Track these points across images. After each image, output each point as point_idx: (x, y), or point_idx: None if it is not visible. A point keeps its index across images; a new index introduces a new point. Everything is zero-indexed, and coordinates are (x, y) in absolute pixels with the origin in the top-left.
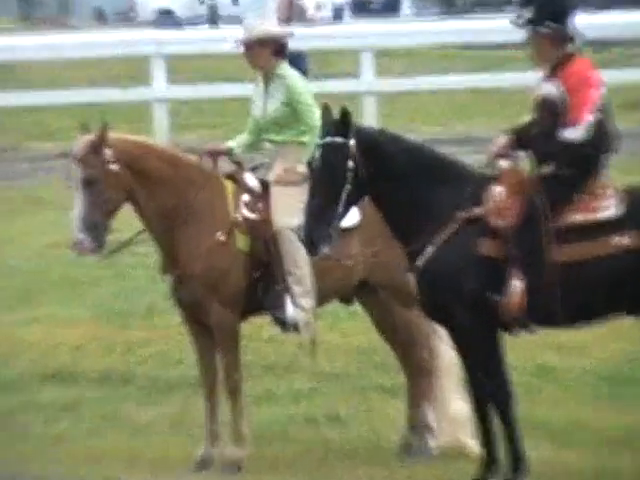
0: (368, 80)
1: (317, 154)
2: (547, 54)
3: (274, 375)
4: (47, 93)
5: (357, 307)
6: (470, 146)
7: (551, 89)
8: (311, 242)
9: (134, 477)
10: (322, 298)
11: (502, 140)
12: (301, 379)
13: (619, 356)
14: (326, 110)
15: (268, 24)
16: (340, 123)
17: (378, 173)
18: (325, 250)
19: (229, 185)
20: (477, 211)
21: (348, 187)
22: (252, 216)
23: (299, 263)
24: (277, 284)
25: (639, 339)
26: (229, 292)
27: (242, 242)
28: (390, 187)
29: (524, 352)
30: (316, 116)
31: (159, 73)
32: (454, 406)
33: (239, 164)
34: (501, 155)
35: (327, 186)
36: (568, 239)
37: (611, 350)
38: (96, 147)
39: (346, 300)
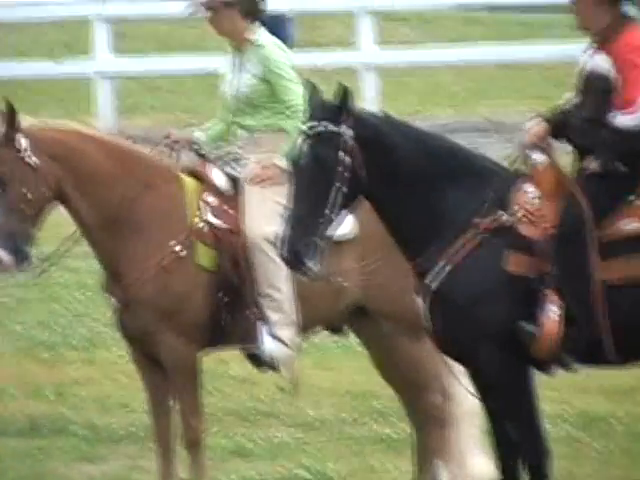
0: (368, 50)
1: (302, 145)
2: (594, 18)
3: (248, 424)
4: None
5: (352, 339)
6: (495, 134)
7: (599, 63)
8: (295, 256)
9: None
10: (305, 326)
11: (536, 127)
12: (281, 429)
13: None
14: (313, 89)
15: None
16: (334, 106)
17: (380, 170)
18: (312, 266)
19: (190, 183)
20: (504, 218)
21: (340, 187)
22: (218, 223)
23: (277, 283)
24: (249, 310)
25: None
26: (186, 320)
27: (204, 256)
28: (394, 188)
29: (562, 397)
30: (299, 95)
31: (102, 41)
32: (473, 463)
33: (204, 157)
34: (534, 146)
35: (315, 186)
36: (618, 253)
37: None
38: (7, 136)
39: (336, 329)
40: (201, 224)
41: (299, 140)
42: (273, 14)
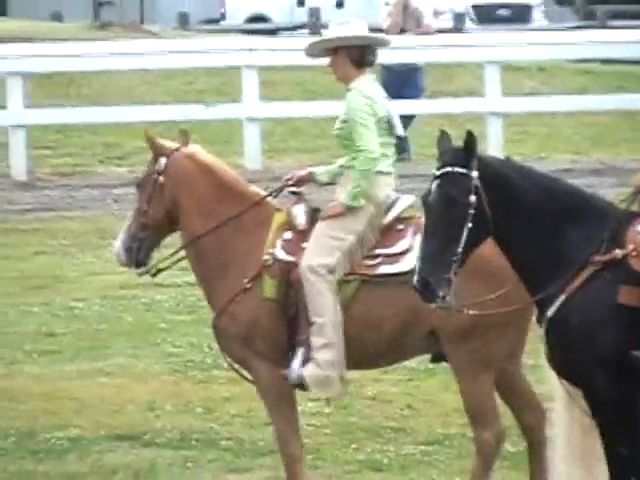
0: (493, 99)
1: (433, 186)
2: None
3: (381, 439)
4: (121, 109)
5: None
6: (611, 177)
7: None
8: (428, 288)
9: None
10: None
11: None
12: (411, 445)
13: None
14: (443, 135)
15: (351, 27)
16: (462, 150)
17: (504, 210)
18: (442, 296)
19: (278, 220)
20: (618, 253)
21: (470, 226)
22: (286, 257)
23: (320, 310)
24: (301, 334)
25: None
26: (264, 346)
27: (269, 288)
28: (517, 226)
29: None
30: (370, 140)
31: (251, 87)
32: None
33: (299, 195)
34: None
35: (446, 224)
36: None
37: None
38: (154, 157)
39: (438, 357)
40: (269, 258)
41: (431, 182)
42: (408, 65)
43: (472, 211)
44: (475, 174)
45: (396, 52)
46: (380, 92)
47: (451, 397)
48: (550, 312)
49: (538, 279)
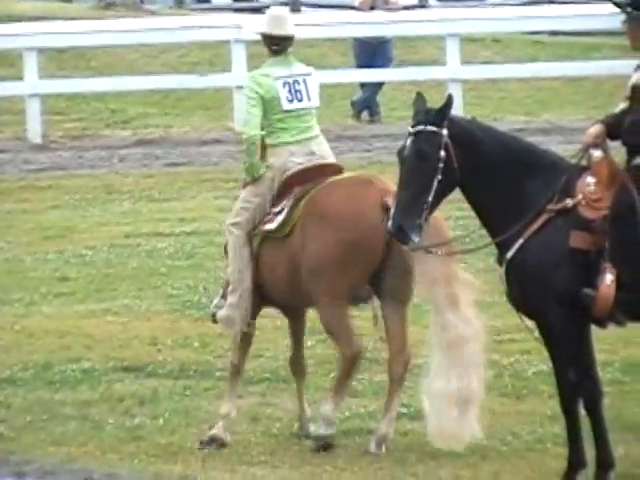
0: (453, 67)
1: (407, 142)
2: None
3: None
4: (123, 79)
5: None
6: (558, 136)
7: None
8: (401, 231)
9: (211, 474)
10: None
11: (595, 129)
12: (383, 373)
13: None
14: (419, 97)
15: (266, 23)
16: (434, 111)
17: (470, 163)
18: (416, 240)
19: None
20: (568, 202)
21: (439, 177)
22: None
23: (230, 260)
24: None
25: None
26: None
27: None
28: (482, 178)
29: (608, 347)
30: (247, 121)
31: (239, 59)
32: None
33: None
34: (593, 145)
35: (418, 176)
36: None
37: None
38: None
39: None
40: None
41: (405, 138)
42: (378, 38)
43: (441, 165)
44: (445, 132)
45: (367, 27)
46: (275, 70)
47: (418, 330)
48: (509, 254)
49: (499, 225)
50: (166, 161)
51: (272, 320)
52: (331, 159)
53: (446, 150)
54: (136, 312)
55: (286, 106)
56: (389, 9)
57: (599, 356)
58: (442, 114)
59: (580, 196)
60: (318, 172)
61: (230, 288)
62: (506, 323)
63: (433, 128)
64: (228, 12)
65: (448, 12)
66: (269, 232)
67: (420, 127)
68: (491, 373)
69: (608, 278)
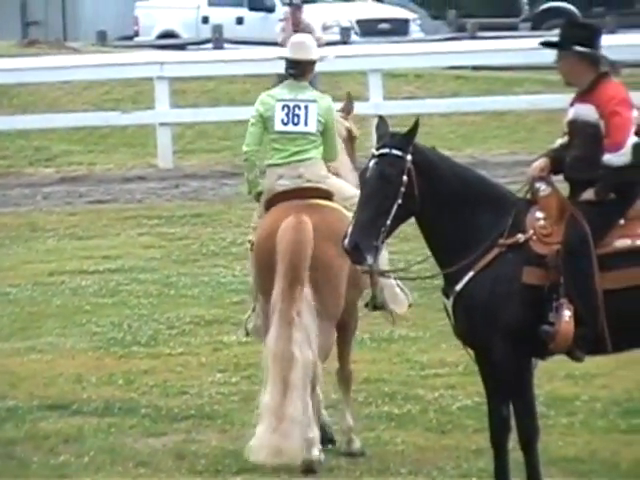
0: (376, 102)
1: (371, 164)
2: (580, 76)
3: None
4: (47, 117)
5: (364, 336)
6: (482, 170)
7: (588, 112)
8: (357, 250)
9: None
10: None
11: (539, 163)
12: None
13: (627, 384)
14: (382, 121)
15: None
16: (400, 135)
17: (428, 192)
18: (370, 261)
19: None
20: (520, 237)
21: (399, 202)
22: None
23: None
24: None
25: None
26: None
27: None
28: (437, 208)
29: (535, 381)
30: (245, 139)
31: (162, 96)
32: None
33: None
34: (539, 179)
35: (379, 198)
36: (613, 266)
37: (618, 378)
38: None
39: None
40: None
41: (369, 160)
42: None
43: (403, 189)
44: (409, 157)
45: None
46: (281, 93)
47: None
48: (459, 287)
49: (449, 256)
50: (90, 198)
51: (197, 357)
52: (320, 184)
53: (408, 175)
54: (60, 350)
55: (278, 127)
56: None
57: None
58: (407, 139)
59: (531, 231)
60: (299, 194)
61: (253, 299)
62: (430, 358)
63: (398, 152)
64: (151, 49)
65: (370, 48)
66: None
67: (385, 150)
68: (416, 408)
69: (566, 314)
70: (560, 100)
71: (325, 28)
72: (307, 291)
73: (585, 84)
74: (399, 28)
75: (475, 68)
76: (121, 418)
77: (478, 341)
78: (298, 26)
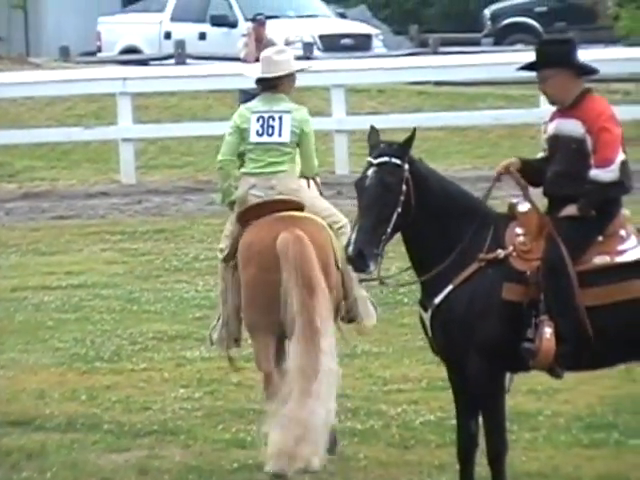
0: (339, 118)
1: (369, 173)
2: (567, 93)
3: (244, 420)
4: (9, 132)
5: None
6: None
7: (573, 128)
8: (362, 257)
9: None
10: None
11: (507, 160)
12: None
13: (589, 399)
14: (373, 131)
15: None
16: (398, 145)
17: (418, 202)
18: (372, 268)
19: None
20: (500, 253)
21: (399, 210)
22: None
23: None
24: None
25: (608, 382)
26: None
27: None
28: (423, 218)
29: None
30: (221, 149)
31: (125, 111)
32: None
33: None
34: (505, 173)
35: (380, 206)
36: (593, 282)
37: (581, 393)
38: None
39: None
40: None
41: (366, 169)
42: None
43: (402, 198)
44: (407, 167)
45: (253, 78)
46: (257, 105)
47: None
48: (437, 300)
49: (429, 267)
50: (52, 214)
51: (160, 373)
52: (292, 196)
53: (407, 185)
54: (23, 366)
55: (253, 138)
56: None
57: None
58: (404, 149)
59: (511, 247)
60: (272, 207)
61: (218, 310)
62: (393, 373)
63: (397, 161)
64: (114, 64)
65: (333, 63)
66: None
67: (385, 159)
68: (379, 423)
69: (547, 331)
70: (523, 115)
71: (288, 43)
72: (327, 297)
73: (570, 99)
74: (362, 43)
75: (437, 83)
76: (84, 434)
77: (454, 355)
78: (261, 42)
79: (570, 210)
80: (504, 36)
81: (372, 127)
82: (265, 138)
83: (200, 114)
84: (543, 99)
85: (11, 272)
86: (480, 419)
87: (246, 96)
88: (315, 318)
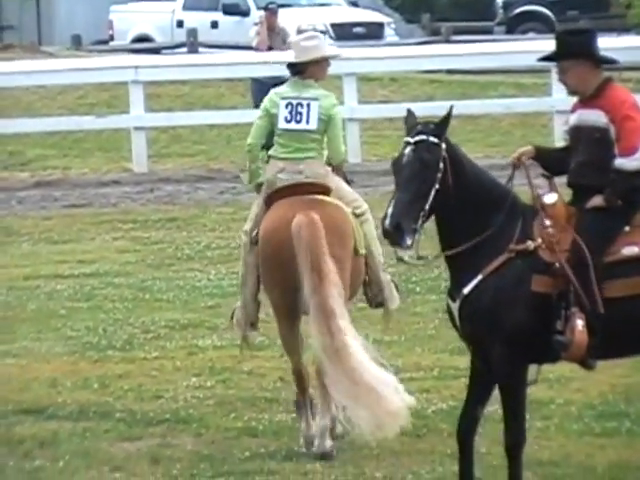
0: (351, 106)
1: (407, 151)
2: (586, 83)
3: (256, 408)
4: (21, 121)
5: None
6: None
7: (596, 118)
8: (399, 230)
9: None
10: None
11: (523, 148)
12: (283, 412)
13: (602, 387)
14: (410, 114)
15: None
16: (435, 124)
17: (454, 184)
18: (409, 242)
19: None
20: (530, 245)
21: (437, 187)
22: None
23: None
24: None
25: (620, 371)
26: None
27: None
28: (455, 200)
29: None
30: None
31: (137, 100)
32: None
33: None
34: (519, 163)
35: (418, 182)
36: (620, 274)
37: (593, 381)
38: None
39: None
40: None
41: (404, 147)
42: (276, 78)
43: (439, 175)
44: (444, 146)
45: (265, 67)
46: (286, 90)
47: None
48: (466, 290)
49: (456, 241)
50: (65, 203)
51: (172, 361)
52: (320, 180)
53: (444, 163)
54: (35, 354)
55: (282, 125)
56: (288, 49)
57: (497, 393)
58: (441, 128)
59: (540, 239)
60: (299, 190)
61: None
62: (405, 362)
63: (435, 139)
64: (126, 53)
65: (345, 51)
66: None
67: (422, 137)
68: None
69: (579, 323)
70: (534, 104)
71: (300, 32)
72: (337, 279)
73: (591, 90)
74: (374, 32)
75: (450, 72)
76: (96, 422)
77: (481, 344)
78: (273, 30)
79: (596, 201)
80: (516, 24)
81: (408, 110)
82: (293, 125)
83: (212, 103)
84: (555, 87)
85: (23, 261)
86: (488, 408)
87: (258, 85)
88: (327, 300)
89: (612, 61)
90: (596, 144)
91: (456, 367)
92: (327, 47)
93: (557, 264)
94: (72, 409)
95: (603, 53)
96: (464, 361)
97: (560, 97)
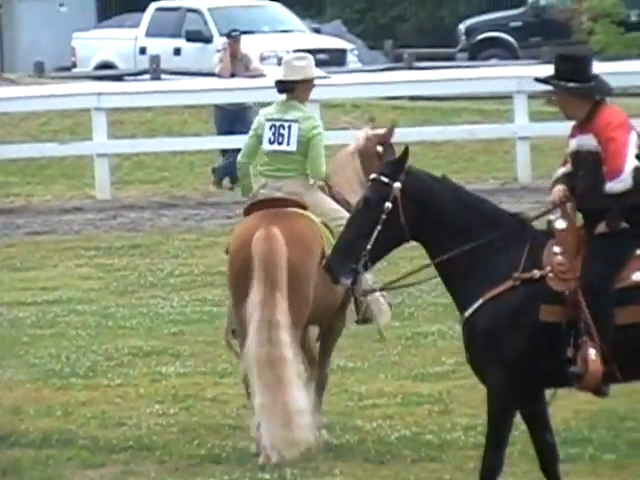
0: None
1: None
2: (576, 110)
3: (219, 435)
4: None
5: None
6: None
7: (588, 142)
8: (330, 270)
9: None
10: None
11: (562, 189)
12: (247, 439)
13: (565, 414)
14: (388, 147)
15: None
16: (392, 162)
17: (426, 219)
18: (346, 282)
19: None
20: (535, 273)
21: (379, 228)
22: None
23: None
24: None
25: (583, 397)
26: None
27: None
28: (444, 239)
29: (471, 411)
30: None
31: (100, 126)
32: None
33: None
34: (557, 213)
35: (360, 222)
36: (632, 300)
37: (556, 408)
38: None
39: None
40: None
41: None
42: (237, 104)
43: (384, 216)
44: (397, 185)
45: (228, 93)
46: (271, 112)
47: None
48: (467, 313)
49: (465, 294)
50: (27, 230)
51: (135, 388)
52: (294, 196)
53: (393, 203)
54: None
55: (265, 146)
56: (250, 75)
57: (461, 420)
58: (396, 167)
59: (548, 268)
60: (272, 204)
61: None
62: (368, 388)
63: (384, 179)
64: (89, 80)
65: None
66: None
67: (374, 176)
68: (355, 438)
69: (592, 353)
70: (497, 130)
71: (263, 59)
72: (284, 298)
73: (583, 115)
74: (336, 58)
75: (412, 98)
76: (59, 450)
77: (477, 369)
78: (236, 57)
79: (601, 227)
80: (479, 51)
81: (387, 145)
82: (275, 146)
83: (175, 129)
84: (518, 114)
85: None
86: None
87: (221, 111)
88: (275, 311)
89: (601, 90)
90: (592, 168)
91: (419, 394)
92: (315, 69)
93: (567, 292)
94: (35, 436)
95: (596, 80)
96: (427, 388)
97: (522, 123)
